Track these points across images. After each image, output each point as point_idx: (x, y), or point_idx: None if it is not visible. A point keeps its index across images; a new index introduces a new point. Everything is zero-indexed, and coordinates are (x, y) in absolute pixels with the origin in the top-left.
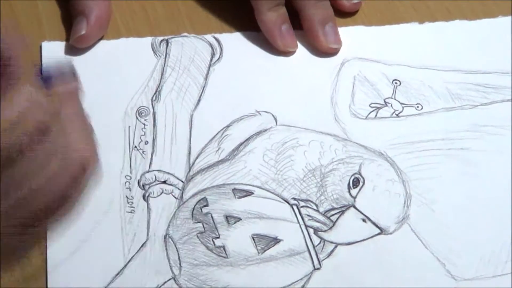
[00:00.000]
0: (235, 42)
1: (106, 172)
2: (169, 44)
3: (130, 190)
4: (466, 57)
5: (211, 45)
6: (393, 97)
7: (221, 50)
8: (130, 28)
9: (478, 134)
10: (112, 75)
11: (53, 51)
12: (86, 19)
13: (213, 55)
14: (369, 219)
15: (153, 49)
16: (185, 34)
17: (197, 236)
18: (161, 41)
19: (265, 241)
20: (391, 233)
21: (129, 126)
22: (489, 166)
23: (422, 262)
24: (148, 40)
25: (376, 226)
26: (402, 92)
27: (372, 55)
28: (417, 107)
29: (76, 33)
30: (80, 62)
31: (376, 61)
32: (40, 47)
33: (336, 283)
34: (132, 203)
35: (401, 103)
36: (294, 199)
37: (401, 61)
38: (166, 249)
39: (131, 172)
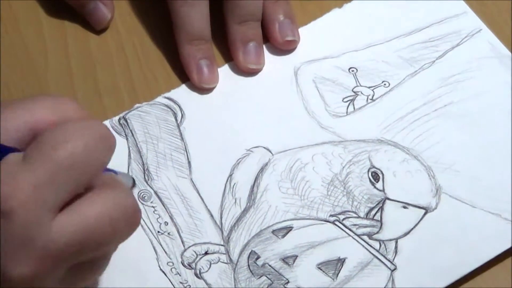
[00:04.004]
0: (188, 94)
1: (148, 268)
2: (128, 121)
3: (180, 275)
4: (398, 22)
5: (167, 106)
6: (359, 84)
7: (179, 107)
8: (129, 27)
9: (450, 86)
10: None
11: None
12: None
13: (175, 115)
14: (409, 204)
15: (116, 131)
16: (137, 104)
17: None
18: (119, 120)
19: (332, 266)
20: (436, 208)
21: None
22: (475, 110)
23: (479, 222)
24: (106, 124)
25: (419, 207)
26: (364, 77)
27: (317, 54)
28: (385, 84)
29: (102, 18)
30: None
31: (323, 57)
32: None
33: (420, 274)
34: (190, 286)
35: (369, 87)
36: (332, 215)
37: (345, 49)
38: None
39: (170, 258)
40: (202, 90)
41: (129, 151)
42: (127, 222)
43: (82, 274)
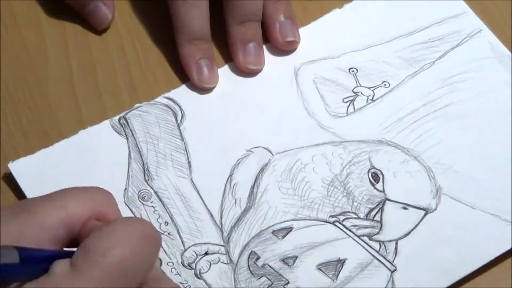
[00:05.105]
0: (188, 94)
1: None
2: (129, 120)
3: (180, 275)
4: (399, 22)
5: (167, 106)
6: (359, 84)
7: (180, 107)
8: (130, 27)
9: (450, 87)
10: (92, 171)
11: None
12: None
13: (175, 115)
14: (409, 205)
15: (116, 131)
16: (137, 104)
17: None
18: (119, 119)
19: (332, 267)
20: (435, 209)
21: (140, 215)
22: (475, 111)
23: (479, 223)
24: (106, 123)
25: (419, 208)
26: (364, 77)
27: (317, 54)
28: (385, 85)
29: (103, 19)
30: (54, 171)
31: (324, 58)
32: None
33: (419, 275)
34: (190, 286)
35: (369, 87)
36: (332, 216)
37: (345, 49)
38: None
39: (170, 258)
40: (202, 90)
41: (129, 151)
42: None
43: None
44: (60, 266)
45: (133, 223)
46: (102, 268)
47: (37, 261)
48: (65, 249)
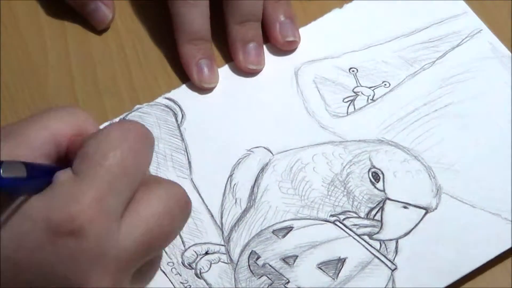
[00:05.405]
0: (188, 94)
1: None
2: None
3: (180, 275)
4: (399, 22)
5: (167, 107)
6: (359, 84)
7: (180, 107)
8: (130, 28)
9: (451, 87)
10: None
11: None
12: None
13: (175, 115)
14: (409, 204)
15: None
16: (137, 105)
17: None
18: None
19: (333, 266)
20: (436, 208)
21: None
22: (475, 110)
23: (479, 221)
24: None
25: (419, 207)
26: (364, 77)
27: (317, 54)
28: (385, 85)
29: (103, 19)
30: None
31: (324, 58)
32: None
33: (420, 274)
34: (190, 286)
35: (370, 87)
36: (332, 215)
37: (345, 49)
38: None
39: (170, 258)
40: (203, 89)
41: None
42: (182, 212)
43: (146, 274)
44: (63, 175)
45: (126, 124)
46: (105, 169)
47: (43, 175)
48: None
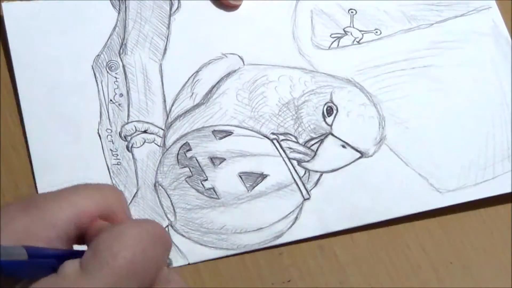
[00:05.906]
0: None
1: (86, 127)
2: None
3: (113, 143)
4: None
5: None
6: (352, 25)
7: None
8: None
9: (437, 51)
10: (76, 32)
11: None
12: None
13: (171, 5)
14: (348, 144)
15: (112, 4)
16: None
17: (186, 181)
18: None
19: (252, 178)
20: (371, 156)
21: (101, 81)
22: (452, 79)
23: (406, 179)
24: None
25: (356, 150)
26: (360, 20)
27: None
28: (376, 32)
29: None
30: (43, 22)
31: None
32: None
33: (327, 210)
34: (117, 155)
35: (360, 31)
36: (273, 133)
37: None
38: (158, 197)
39: (111, 125)
40: (229, 6)
41: (116, 25)
42: None
43: None
44: (70, 266)
45: (143, 224)
46: (113, 270)
47: (46, 261)
48: (74, 246)
